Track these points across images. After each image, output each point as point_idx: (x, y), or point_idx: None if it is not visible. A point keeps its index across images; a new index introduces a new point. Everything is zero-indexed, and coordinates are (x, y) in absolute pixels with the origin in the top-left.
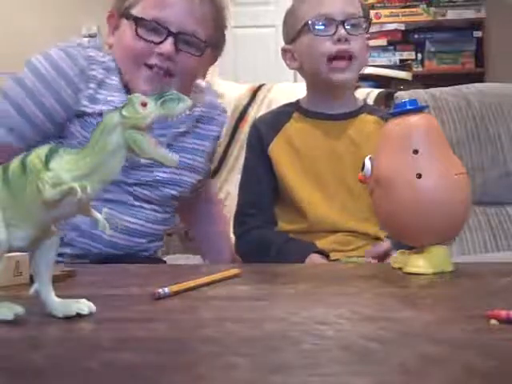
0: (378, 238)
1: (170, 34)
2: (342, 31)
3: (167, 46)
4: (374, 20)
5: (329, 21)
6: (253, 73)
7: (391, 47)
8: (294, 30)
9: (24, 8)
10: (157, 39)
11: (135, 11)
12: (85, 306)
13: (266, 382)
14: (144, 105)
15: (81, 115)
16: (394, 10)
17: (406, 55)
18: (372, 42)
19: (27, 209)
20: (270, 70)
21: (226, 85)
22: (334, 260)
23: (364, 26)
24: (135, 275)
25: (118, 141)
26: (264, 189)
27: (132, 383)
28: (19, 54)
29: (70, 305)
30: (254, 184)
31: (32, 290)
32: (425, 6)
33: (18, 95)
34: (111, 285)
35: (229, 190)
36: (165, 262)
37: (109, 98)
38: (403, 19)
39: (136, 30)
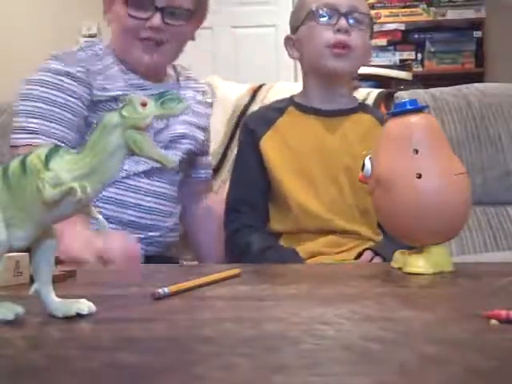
0: (370, 239)
1: (157, 9)
2: (343, 22)
3: (155, 20)
4: (374, 20)
5: (332, 11)
6: (253, 73)
7: (391, 47)
8: (299, 19)
9: (23, 7)
10: (146, 15)
11: None
12: (85, 306)
13: (266, 382)
14: (144, 105)
15: (96, 104)
16: (393, 10)
17: (406, 55)
18: (372, 42)
19: (27, 209)
20: (270, 70)
21: (226, 85)
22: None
23: (367, 23)
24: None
25: (117, 141)
26: (256, 185)
27: (132, 383)
28: (18, 53)
29: (69, 305)
30: (246, 180)
31: (32, 290)
32: (425, 5)
33: (37, 108)
34: (111, 285)
35: None
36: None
37: (116, 84)
38: (403, 19)
39: (127, 10)
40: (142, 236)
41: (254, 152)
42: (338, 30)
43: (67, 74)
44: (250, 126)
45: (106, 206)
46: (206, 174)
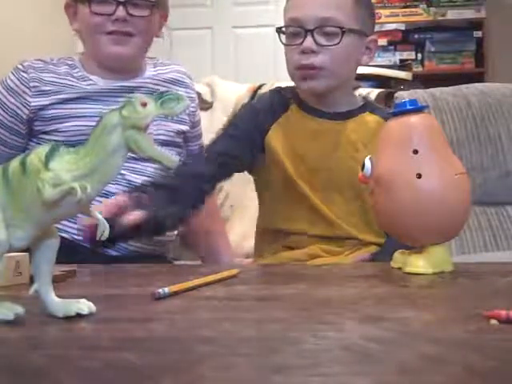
0: (370, 243)
1: (118, 3)
2: (308, 43)
3: (120, 12)
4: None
5: (298, 28)
6: (253, 73)
7: (391, 47)
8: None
9: (22, 9)
10: (110, 10)
11: None
12: (85, 306)
13: (266, 382)
14: (144, 105)
15: (38, 110)
16: (394, 10)
17: (405, 55)
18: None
19: (27, 209)
20: (270, 69)
21: (225, 85)
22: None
23: (339, 35)
24: (135, 275)
25: (118, 141)
26: (240, 151)
27: (132, 383)
28: (17, 55)
29: (69, 305)
30: (235, 138)
31: (32, 290)
32: (425, 6)
33: None
34: (111, 285)
35: (229, 190)
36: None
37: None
38: (403, 19)
39: (90, 8)
40: None
41: (258, 133)
42: (303, 52)
43: (8, 89)
44: (260, 111)
45: None
46: None
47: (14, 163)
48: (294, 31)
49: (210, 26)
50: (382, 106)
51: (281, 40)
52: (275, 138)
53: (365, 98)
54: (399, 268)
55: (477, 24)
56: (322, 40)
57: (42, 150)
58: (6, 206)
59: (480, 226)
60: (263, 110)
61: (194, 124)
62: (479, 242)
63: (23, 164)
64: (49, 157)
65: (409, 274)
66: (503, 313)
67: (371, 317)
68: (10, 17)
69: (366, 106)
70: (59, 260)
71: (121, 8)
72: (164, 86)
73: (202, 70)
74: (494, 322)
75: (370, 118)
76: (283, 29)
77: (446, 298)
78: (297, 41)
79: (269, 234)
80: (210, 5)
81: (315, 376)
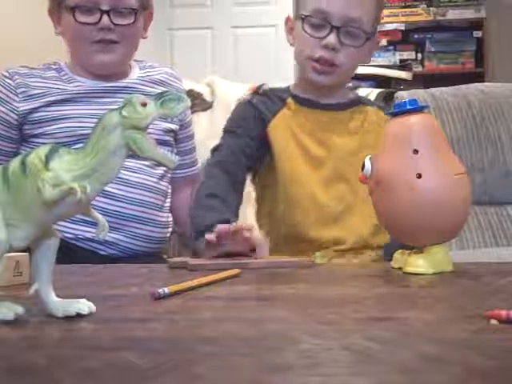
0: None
1: (102, 12)
2: (332, 38)
3: (104, 21)
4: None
5: (324, 21)
6: (253, 73)
7: (391, 47)
8: (299, 8)
9: (18, 9)
10: (93, 20)
11: (69, 1)
12: (85, 306)
13: (266, 382)
14: (144, 105)
15: (27, 114)
16: (394, 10)
17: (406, 55)
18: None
19: (27, 209)
20: (270, 70)
21: (226, 85)
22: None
23: (363, 38)
24: (135, 275)
25: (117, 141)
26: (246, 154)
27: (132, 383)
28: (13, 56)
29: (69, 305)
30: (239, 146)
31: (32, 290)
32: (425, 6)
33: None
34: (111, 285)
35: None
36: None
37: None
38: (403, 19)
39: (74, 18)
40: (126, 229)
41: (261, 134)
42: (325, 46)
43: None
44: (258, 109)
45: None
46: (186, 172)
47: (14, 163)
48: (316, 22)
49: (210, 26)
50: (377, 101)
51: (303, 28)
52: (277, 132)
53: (354, 92)
54: (399, 268)
55: (477, 24)
56: (344, 39)
57: (42, 150)
58: (6, 206)
59: (480, 225)
60: (263, 104)
61: (186, 124)
62: (479, 242)
63: (23, 164)
64: (49, 157)
65: (409, 274)
66: (503, 313)
67: (371, 317)
68: (5, 15)
69: (360, 98)
70: (59, 260)
71: (105, 17)
72: (150, 87)
73: (202, 69)
74: (494, 321)
75: (368, 109)
76: (309, 20)
77: (445, 297)
78: (319, 33)
79: (279, 237)
80: (210, 5)
81: (315, 376)
